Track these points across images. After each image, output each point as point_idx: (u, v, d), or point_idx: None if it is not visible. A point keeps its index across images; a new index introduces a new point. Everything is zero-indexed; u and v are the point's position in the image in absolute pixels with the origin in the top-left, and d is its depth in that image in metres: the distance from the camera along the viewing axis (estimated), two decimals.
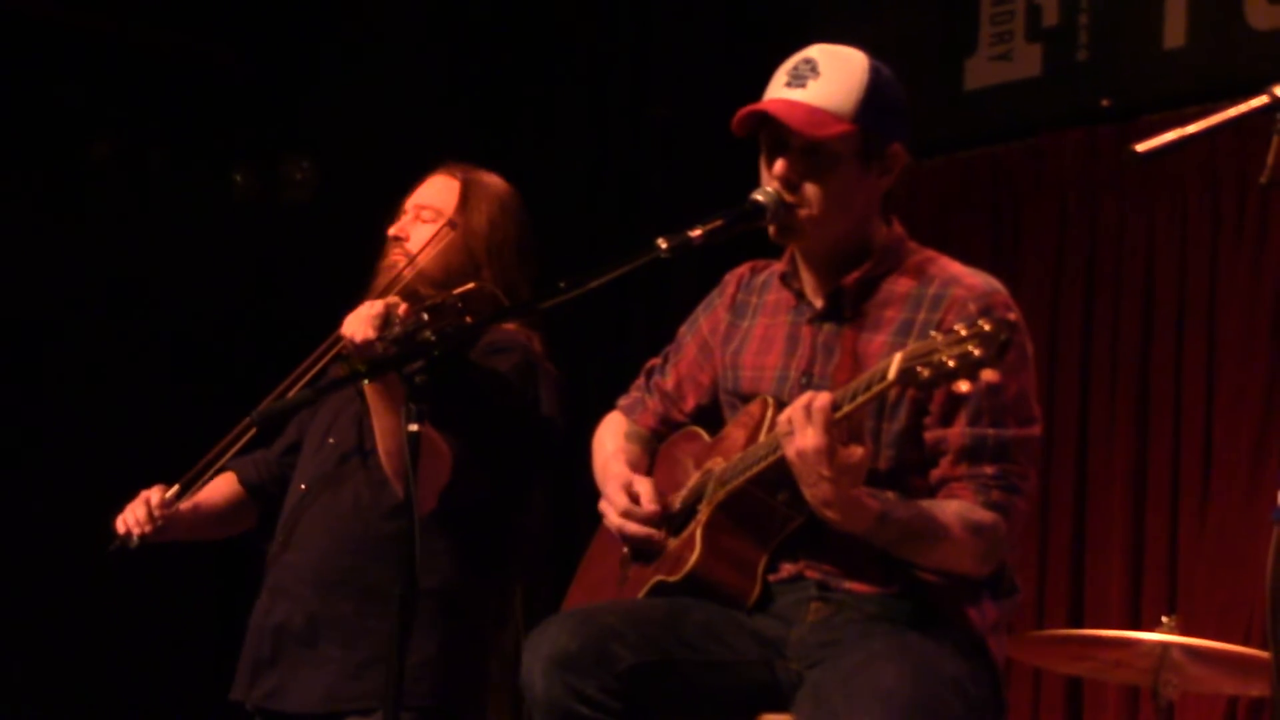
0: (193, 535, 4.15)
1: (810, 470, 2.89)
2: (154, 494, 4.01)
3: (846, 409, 2.89)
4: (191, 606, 6.51)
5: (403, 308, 3.69)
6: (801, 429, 2.88)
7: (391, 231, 4.07)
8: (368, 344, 3.65)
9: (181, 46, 6.71)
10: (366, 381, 3.68)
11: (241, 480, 4.20)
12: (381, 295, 3.88)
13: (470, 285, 3.85)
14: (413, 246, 4.01)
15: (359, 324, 3.68)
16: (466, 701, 3.89)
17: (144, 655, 6.46)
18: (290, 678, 3.88)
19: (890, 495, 3.04)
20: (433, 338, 3.25)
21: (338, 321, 3.95)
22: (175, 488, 4.03)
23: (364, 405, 3.93)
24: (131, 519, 4.00)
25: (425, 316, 3.65)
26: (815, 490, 2.91)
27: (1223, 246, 5.55)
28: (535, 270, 4.05)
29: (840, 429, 2.89)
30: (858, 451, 2.90)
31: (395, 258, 4.02)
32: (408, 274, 3.95)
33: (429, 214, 4.04)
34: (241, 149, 6.91)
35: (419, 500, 3.75)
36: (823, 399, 2.88)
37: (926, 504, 3.05)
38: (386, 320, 3.67)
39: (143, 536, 3.98)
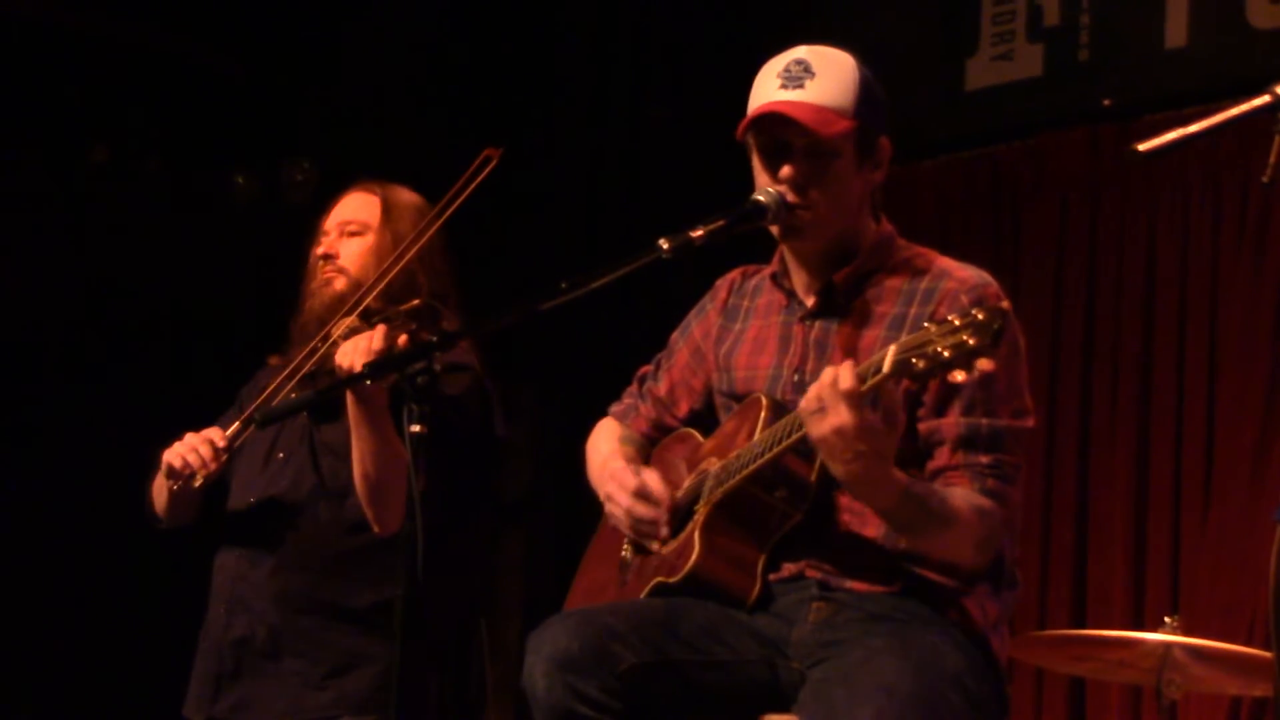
0: (192, 507, 4.09)
1: (847, 447, 2.87)
2: (215, 433, 3.95)
3: (878, 379, 2.87)
4: (127, 621, 6.38)
5: (403, 338, 3.71)
6: (834, 406, 2.87)
7: (320, 251, 4.11)
8: (359, 378, 3.64)
9: (181, 50, 6.72)
10: (353, 397, 3.71)
11: None
12: (329, 314, 3.93)
13: (416, 301, 3.89)
14: (345, 263, 4.05)
15: (360, 355, 3.69)
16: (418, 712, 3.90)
17: (91, 670, 6.37)
18: (253, 691, 3.91)
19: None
20: (434, 338, 3.26)
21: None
22: (235, 426, 3.96)
23: (313, 426, 3.94)
24: (195, 458, 3.90)
25: (394, 315, 3.69)
26: (852, 466, 2.89)
27: (1224, 246, 5.55)
28: (458, 276, 4.08)
29: (876, 401, 2.88)
30: (887, 426, 2.89)
31: (328, 275, 4.04)
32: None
33: (354, 227, 4.09)
34: (242, 151, 6.91)
35: (385, 523, 3.79)
36: (848, 375, 2.86)
37: (939, 486, 3.06)
38: (380, 360, 3.67)
39: (207, 476, 3.91)
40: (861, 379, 2.87)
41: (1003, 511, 3.08)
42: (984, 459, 3.08)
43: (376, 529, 3.84)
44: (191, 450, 3.92)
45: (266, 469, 4.03)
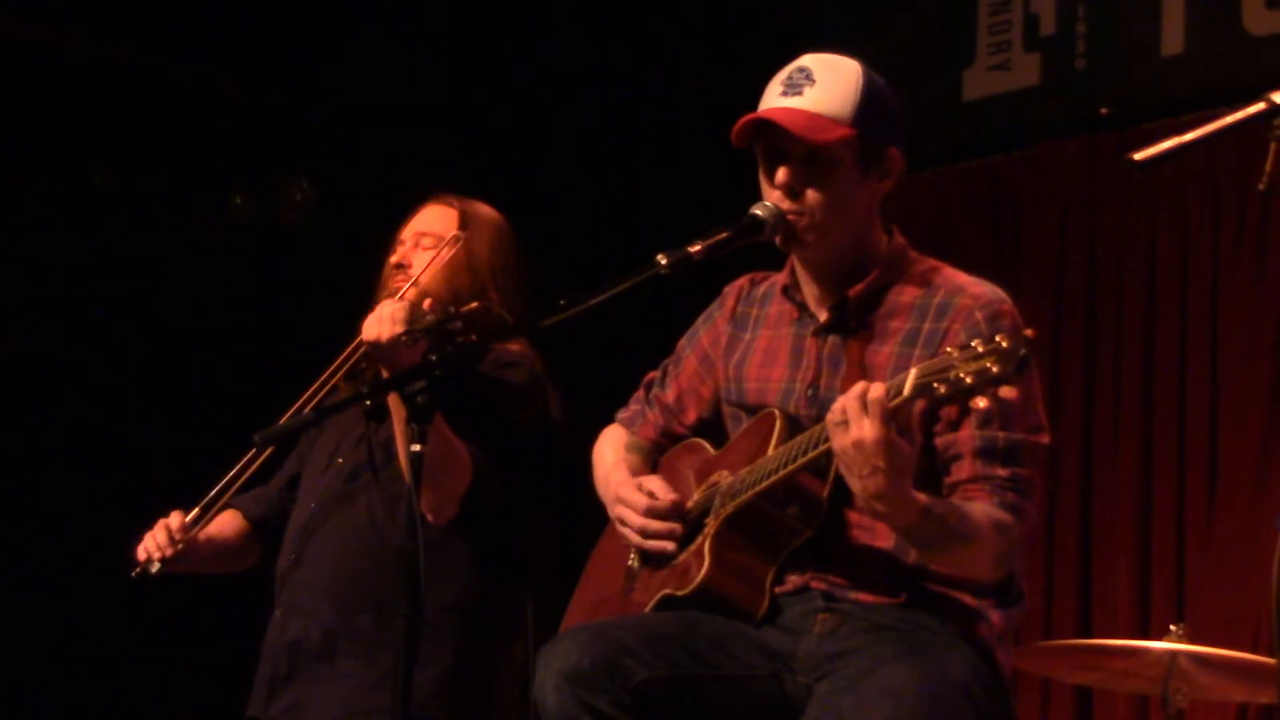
0: (206, 568, 4.19)
1: (866, 461, 2.86)
2: (173, 519, 4.04)
3: (897, 401, 2.87)
4: (201, 626, 6.50)
5: (428, 301, 3.73)
6: (857, 419, 2.86)
7: (394, 259, 4.11)
8: (394, 342, 3.67)
9: (178, 69, 6.72)
10: (392, 393, 3.70)
11: (246, 516, 4.23)
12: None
13: (474, 304, 3.89)
14: (416, 273, 4.04)
15: (383, 323, 3.70)
16: (476, 718, 3.91)
17: (155, 676, 6.46)
18: (308, 693, 3.91)
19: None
20: (459, 325, 3.27)
21: (340, 343, 3.98)
22: (195, 511, 4.05)
23: (369, 427, 3.97)
24: (152, 544, 4.01)
25: (453, 309, 3.68)
26: (869, 481, 2.88)
27: (1224, 254, 5.56)
28: (529, 299, 4.10)
29: (895, 420, 2.88)
30: (907, 444, 2.89)
31: (398, 285, 4.04)
32: (426, 280, 3.97)
33: (430, 241, 4.10)
34: (239, 171, 6.91)
35: (438, 511, 3.81)
36: (878, 389, 2.86)
37: (958, 502, 3.06)
38: (413, 315, 3.69)
39: (163, 561, 4.00)
40: (891, 396, 2.87)
41: (1021, 526, 3.08)
42: (1002, 472, 3.08)
43: (431, 518, 3.83)
44: (150, 537, 4.02)
45: (326, 474, 4.06)
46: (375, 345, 3.72)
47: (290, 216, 6.88)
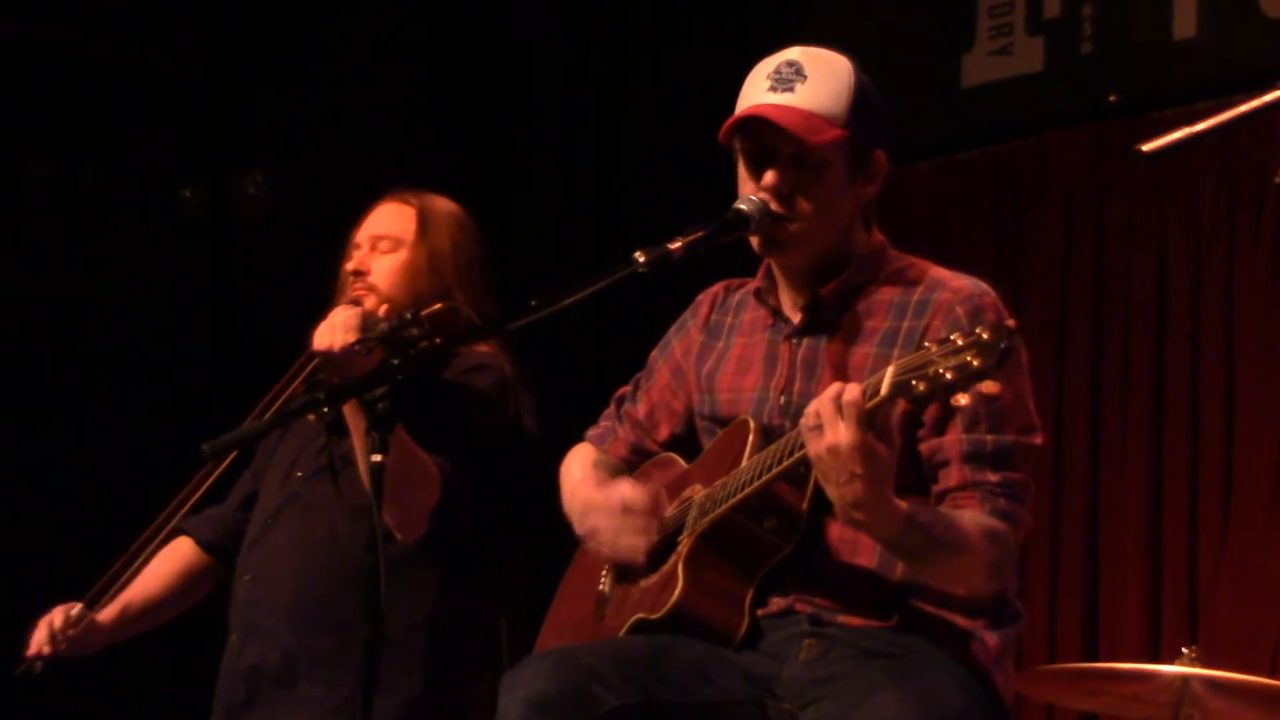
0: (132, 633, 4.18)
1: (842, 468, 2.86)
2: (56, 616, 4.07)
3: (874, 402, 2.87)
4: (154, 652, 6.44)
5: (384, 308, 3.72)
6: (832, 423, 2.86)
7: (350, 267, 4.09)
8: (347, 351, 3.66)
9: (122, 53, 6.70)
10: (347, 404, 3.71)
11: (199, 541, 4.21)
12: None
13: (438, 305, 3.89)
14: (376, 279, 4.04)
15: (335, 331, 3.70)
16: None
17: (105, 706, 6.42)
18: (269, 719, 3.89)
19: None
20: (417, 331, 3.26)
21: (299, 348, 3.98)
22: (78, 606, 4.08)
23: (330, 439, 3.96)
24: (35, 640, 4.06)
25: (409, 314, 3.68)
26: (845, 489, 2.88)
27: (1239, 249, 5.56)
28: (495, 294, 4.09)
29: (872, 423, 2.88)
30: (886, 448, 2.89)
31: (357, 292, 4.03)
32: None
33: (387, 244, 4.08)
34: (189, 162, 6.89)
35: (405, 528, 3.81)
36: (854, 390, 2.86)
37: (945, 510, 3.06)
38: (366, 322, 3.69)
39: (51, 658, 4.04)
40: (868, 397, 2.87)
41: (1015, 534, 3.08)
42: (993, 477, 3.08)
43: (399, 536, 3.83)
44: (36, 631, 4.05)
45: (284, 487, 4.06)
46: (327, 355, 3.71)
47: (244, 212, 6.86)
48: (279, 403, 3.99)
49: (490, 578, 4.04)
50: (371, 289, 4.04)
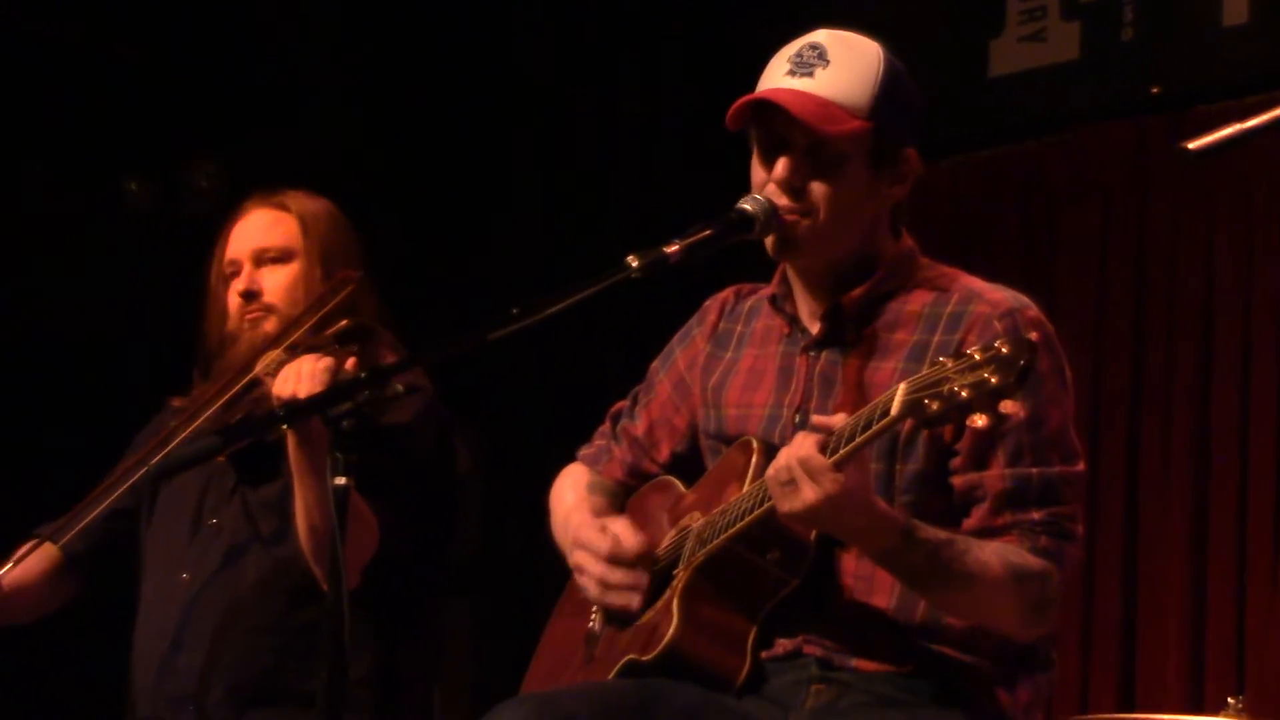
0: (3, 620, 4.13)
1: (824, 520, 2.94)
2: None
3: (843, 452, 2.89)
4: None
5: (351, 361, 3.71)
6: (805, 481, 2.90)
7: (240, 288, 4.05)
8: (311, 401, 3.64)
9: (63, 34, 6.71)
10: (294, 439, 3.71)
11: (65, 551, 4.14)
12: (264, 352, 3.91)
13: (344, 322, 3.89)
14: (271, 298, 4.01)
15: (305, 380, 3.67)
16: None
17: None
18: None
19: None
20: (401, 389, 3.27)
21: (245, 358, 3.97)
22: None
23: (236, 479, 3.94)
24: None
25: (322, 342, 3.71)
26: (835, 528, 2.99)
27: None
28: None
29: (845, 462, 2.91)
30: (856, 473, 2.91)
31: (254, 315, 4.01)
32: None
33: (274, 254, 4.05)
34: (135, 152, 6.90)
35: (337, 575, 3.78)
36: (817, 458, 2.89)
37: (962, 536, 3.05)
38: (336, 373, 3.68)
39: None
40: (831, 450, 2.89)
41: (1060, 572, 3.08)
42: (1036, 515, 3.08)
43: (326, 587, 3.81)
44: None
45: (196, 538, 3.99)
46: (290, 403, 3.69)
47: (194, 206, 6.87)
48: (210, 414, 3.95)
49: (424, 621, 4.01)
50: (270, 310, 4.02)
